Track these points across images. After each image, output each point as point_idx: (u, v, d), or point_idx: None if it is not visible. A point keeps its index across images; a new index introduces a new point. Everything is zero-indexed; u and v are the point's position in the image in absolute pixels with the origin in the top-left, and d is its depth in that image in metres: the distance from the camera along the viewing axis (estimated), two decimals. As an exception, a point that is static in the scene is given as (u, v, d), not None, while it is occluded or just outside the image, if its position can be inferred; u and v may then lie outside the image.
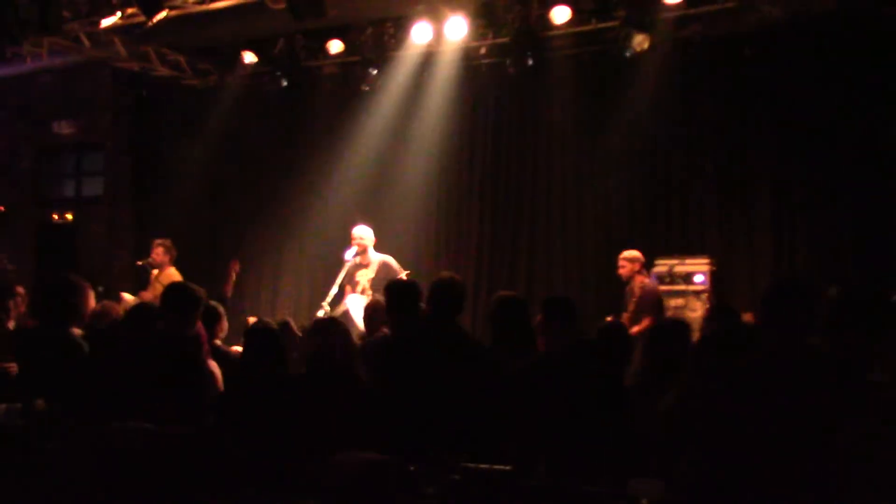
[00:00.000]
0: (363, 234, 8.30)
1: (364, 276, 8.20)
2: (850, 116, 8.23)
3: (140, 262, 8.76)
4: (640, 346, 4.18)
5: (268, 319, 6.00)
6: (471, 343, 4.33)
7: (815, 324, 3.02)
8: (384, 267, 8.19)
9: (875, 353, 2.98)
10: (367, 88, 10.18)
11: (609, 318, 6.91)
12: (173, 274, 8.37)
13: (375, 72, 9.81)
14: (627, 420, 3.75)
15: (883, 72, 8.04)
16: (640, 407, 3.77)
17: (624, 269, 7.93)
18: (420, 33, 9.24)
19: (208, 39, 10.41)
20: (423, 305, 4.53)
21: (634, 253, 7.99)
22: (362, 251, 8.25)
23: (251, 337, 4.38)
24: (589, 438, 3.65)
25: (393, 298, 4.67)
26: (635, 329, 7.25)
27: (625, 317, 7.63)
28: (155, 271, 8.58)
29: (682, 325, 4.33)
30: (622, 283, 8.19)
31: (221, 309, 5.73)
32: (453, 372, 4.03)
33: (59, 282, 4.81)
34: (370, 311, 6.23)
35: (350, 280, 8.24)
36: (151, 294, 8.18)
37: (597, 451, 3.57)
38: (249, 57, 10.36)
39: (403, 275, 8.08)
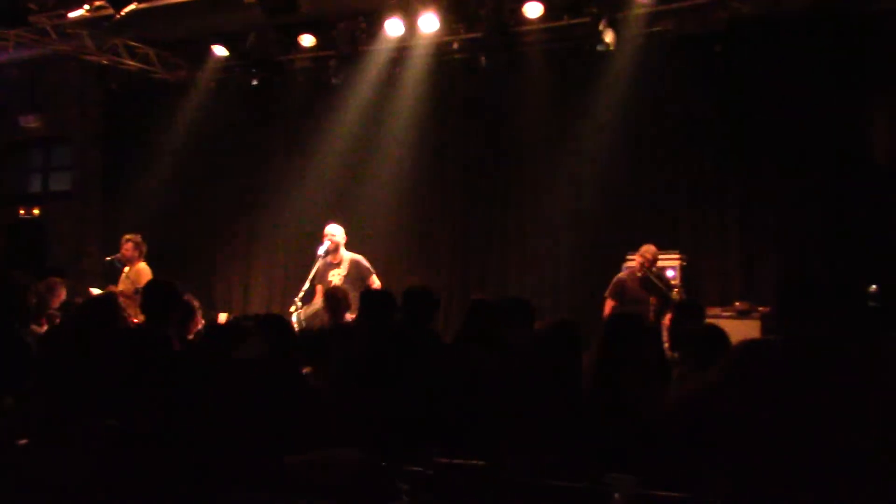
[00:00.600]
0: (335, 231, 8.30)
1: (336, 275, 8.20)
2: (819, 113, 8.32)
3: (109, 258, 8.66)
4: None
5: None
6: (439, 341, 4.35)
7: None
8: (355, 265, 8.22)
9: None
10: (339, 83, 10.13)
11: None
12: (144, 269, 8.29)
13: (348, 66, 9.78)
14: (593, 413, 3.76)
15: (852, 68, 8.15)
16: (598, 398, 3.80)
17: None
18: (392, 28, 9.22)
19: (178, 33, 10.31)
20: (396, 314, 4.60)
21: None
22: (334, 249, 8.25)
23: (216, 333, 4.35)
24: (557, 432, 3.67)
25: (366, 306, 4.69)
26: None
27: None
28: (126, 268, 8.50)
29: (639, 318, 4.35)
30: (595, 278, 8.24)
31: (196, 304, 5.69)
32: (423, 369, 4.04)
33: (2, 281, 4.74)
34: (333, 300, 6.40)
35: (322, 279, 8.23)
36: (121, 289, 8.10)
37: (567, 446, 3.58)
38: (220, 51, 10.27)
39: (374, 276, 8.13)
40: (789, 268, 7.97)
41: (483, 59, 9.19)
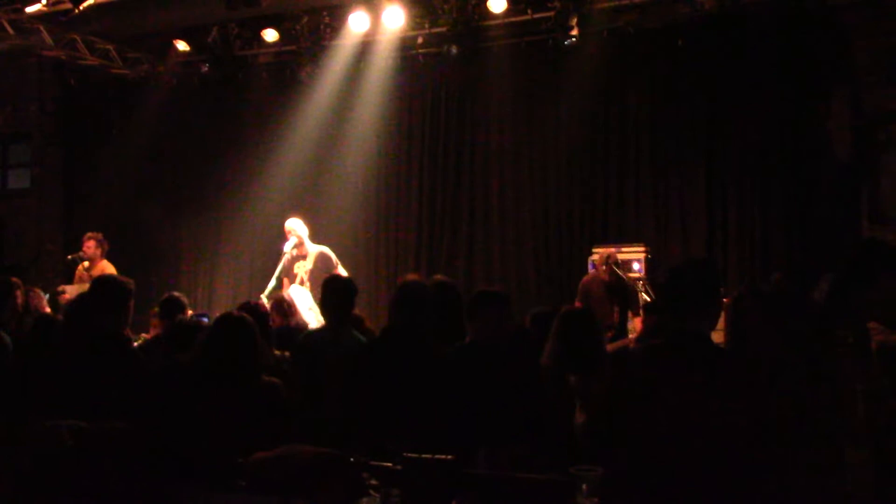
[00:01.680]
0: (294, 226, 8.28)
1: (301, 268, 8.18)
2: (781, 106, 8.44)
3: (71, 256, 8.54)
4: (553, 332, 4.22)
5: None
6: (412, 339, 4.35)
7: (709, 309, 3.04)
8: (321, 258, 8.18)
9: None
10: (303, 77, 10.07)
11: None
12: (106, 267, 8.20)
13: (311, 61, 9.72)
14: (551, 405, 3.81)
15: (812, 62, 8.27)
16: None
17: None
18: (357, 22, 9.19)
19: (139, 27, 10.17)
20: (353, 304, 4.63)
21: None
22: (299, 243, 8.22)
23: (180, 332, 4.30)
24: (521, 425, 3.69)
25: (327, 295, 4.67)
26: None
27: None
28: (85, 263, 8.39)
29: (590, 315, 4.41)
30: (558, 271, 8.29)
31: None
32: (391, 365, 4.04)
33: None
34: (278, 308, 6.58)
35: (288, 272, 8.20)
36: (78, 288, 8.00)
37: (534, 439, 3.61)
38: (182, 46, 10.15)
39: (341, 268, 8.11)
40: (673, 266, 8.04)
41: (448, 53, 9.18)
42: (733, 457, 2.75)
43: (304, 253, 8.23)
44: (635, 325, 7.66)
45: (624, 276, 7.89)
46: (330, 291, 4.64)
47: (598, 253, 8.37)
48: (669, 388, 2.86)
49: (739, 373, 2.92)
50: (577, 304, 7.89)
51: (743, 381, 2.87)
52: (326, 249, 8.29)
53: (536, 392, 3.89)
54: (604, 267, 7.84)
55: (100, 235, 8.42)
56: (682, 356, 2.92)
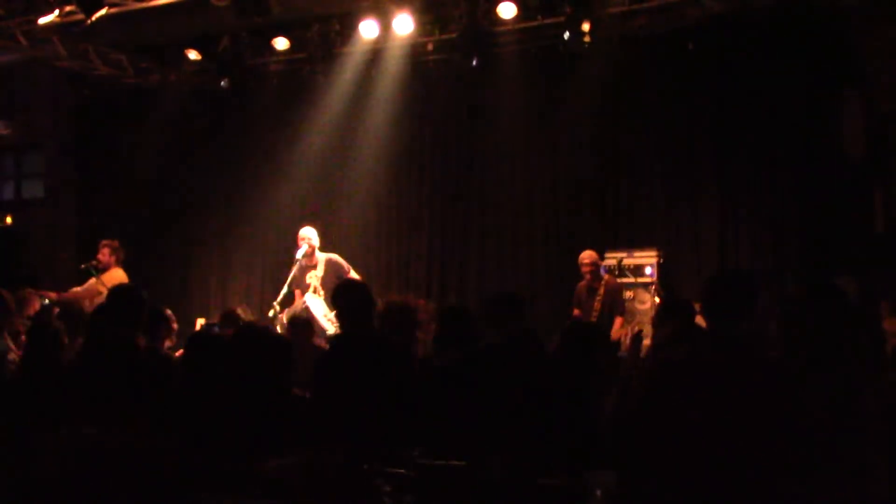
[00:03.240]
0: (309, 234, 8.35)
1: (313, 277, 8.23)
2: (792, 108, 8.41)
3: (84, 265, 8.58)
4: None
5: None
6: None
7: (750, 317, 3.08)
8: (332, 265, 8.25)
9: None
10: (314, 84, 10.09)
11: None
12: (119, 275, 8.22)
13: (322, 69, 9.75)
14: (568, 413, 3.80)
15: (822, 63, 8.24)
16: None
17: (590, 269, 7.99)
18: (367, 30, 9.21)
19: (150, 37, 10.22)
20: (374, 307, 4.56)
21: (594, 253, 8.08)
22: (310, 252, 8.28)
23: (196, 342, 4.28)
24: (538, 431, 3.68)
25: (340, 299, 4.60)
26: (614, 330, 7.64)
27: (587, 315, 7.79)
28: (98, 274, 8.43)
29: (595, 328, 4.42)
30: (570, 277, 8.28)
31: (168, 312, 5.65)
32: (403, 371, 4.04)
33: None
34: (294, 328, 6.61)
35: (299, 283, 8.26)
36: (90, 294, 8.04)
37: (548, 444, 3.60)
38: (193, 55, 10.20)
39: (353, 272, 8.15)
40: (717, 271, 8.04)
41: (458, 59, 9.19)
42: (765, 464, 2.76)
43: (313, 262, 8.29)
44: (615, 325, 7.78)
45: (610, 279, 7.95)
46: (344, 295, 4.55)
47: (611, 257, 8.37)
48: (708, 396, 2.88)
49: (778, 380, 2.93)
50: (574, 308, 7.98)
51: (783, 390, 2.89)
52: (336, 256, 8.34)
53: (548, 396, 3.88)
54: (589, 269, 7.92)
55: (115, 243, 8.44)
56: (724, 363, 2.95)
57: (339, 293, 4.55)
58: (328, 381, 4.37)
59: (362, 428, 3.94)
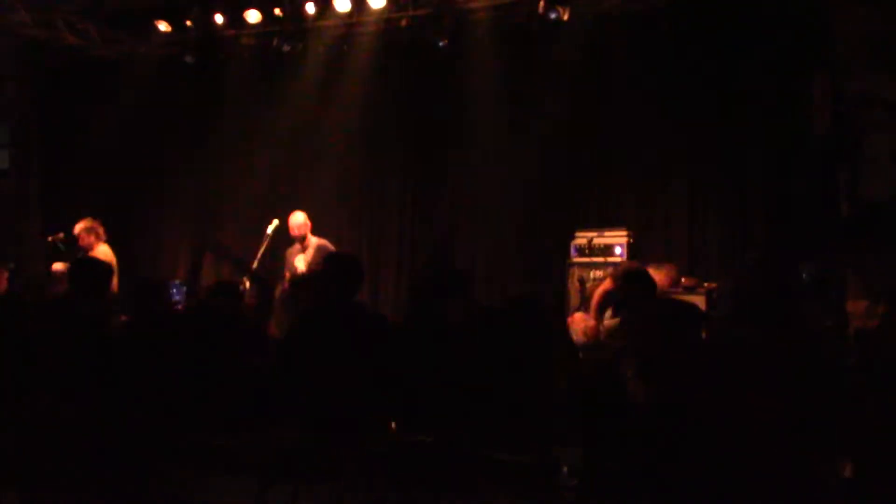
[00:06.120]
0: (300, 220, 8.58)
1: (301, 260, 8.45)
2: (763, 88, 8.45)
3: (51, 238, 8.47)
4: None
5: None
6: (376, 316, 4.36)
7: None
8: (319, 250, 8.38)
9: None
10: (286, 59, 10.00)
11: None
12: (105, 253, 8.10)
13: (294, 43, 9.66)
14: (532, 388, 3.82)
15: (794, 43, 8.28)
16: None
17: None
18: (340, 4, 9.13)
19: (119, 8, 10.06)
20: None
21: None
22: (303, 238, 8.54)
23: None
24: (505, 407, 3.71)
25: (332, 270, 4.57)
26: None
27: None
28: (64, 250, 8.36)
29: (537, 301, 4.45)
30: (540, 253, 8.35)
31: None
32: (373, 346, 4.04)
33: None
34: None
35: (289, 265, 8.53)
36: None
37: (515, 420, 3.63)
38: (163, 26, 10.05)
39: None
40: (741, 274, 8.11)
41: (432, 37, 9.15)
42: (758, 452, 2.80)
43: (305, 245, 8.47)
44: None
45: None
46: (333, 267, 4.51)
47: (582, 237, 8.42)
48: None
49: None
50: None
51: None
52: (325, 242, 8.56)
53: (515, 372, 3.91)
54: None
55: (89, 222, 8.29)
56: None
57: (331, 260, 4.57)
58: (306, 352, 4.33)
59: (338, 400, 3.94)
